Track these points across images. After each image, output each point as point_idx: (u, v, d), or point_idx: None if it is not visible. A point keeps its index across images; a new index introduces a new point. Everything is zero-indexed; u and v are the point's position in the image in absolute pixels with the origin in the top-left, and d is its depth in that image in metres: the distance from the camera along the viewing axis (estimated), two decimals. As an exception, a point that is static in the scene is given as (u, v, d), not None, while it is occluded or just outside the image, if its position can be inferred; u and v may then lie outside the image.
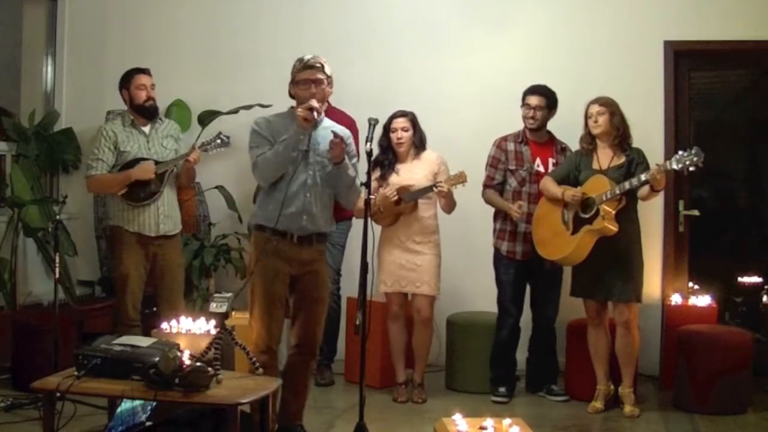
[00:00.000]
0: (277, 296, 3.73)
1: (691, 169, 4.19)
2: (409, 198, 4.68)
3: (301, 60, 3.74)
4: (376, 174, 4.78)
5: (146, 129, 4.65)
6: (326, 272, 3.93)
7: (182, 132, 5.27)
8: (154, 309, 4.81)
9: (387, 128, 4.80)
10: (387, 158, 4.81)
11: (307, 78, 3.69)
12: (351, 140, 3.91)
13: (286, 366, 3.92)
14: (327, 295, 3.92)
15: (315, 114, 3.60)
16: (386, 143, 4.82)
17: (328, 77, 3.75)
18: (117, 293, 4.64)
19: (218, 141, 4.49)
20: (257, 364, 3.52)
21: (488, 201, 4.92)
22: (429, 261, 4.75)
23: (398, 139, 4.76)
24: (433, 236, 4.79)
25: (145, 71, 4.66)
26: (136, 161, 4.54)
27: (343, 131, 3.86)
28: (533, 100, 4.82)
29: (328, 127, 3.82)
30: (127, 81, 4.64)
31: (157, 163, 4.56)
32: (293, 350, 3.87)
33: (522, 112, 4.87)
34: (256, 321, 3.73)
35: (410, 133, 4.77)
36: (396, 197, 4.68)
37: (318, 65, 3.71)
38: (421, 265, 4.73)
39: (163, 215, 4.59)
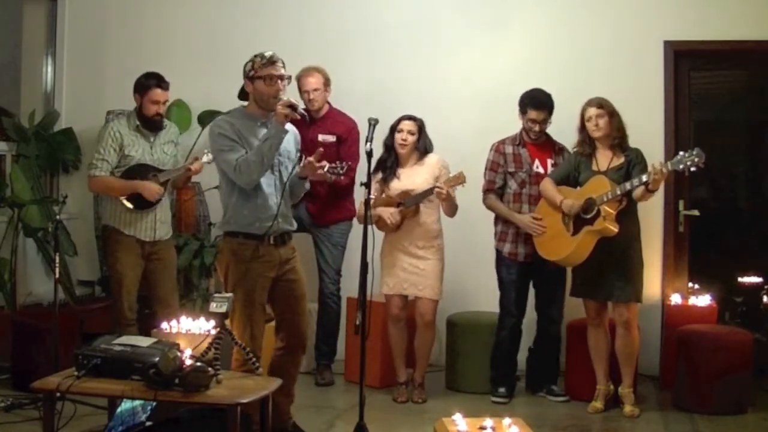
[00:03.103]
0: (259, 301, 3.72)
1: (692, 169, 4.19)
2: (409, 203, 4.67)
3: (262, 57, 3.69)
4: (378, 176, 4.78)
5: (151, 136, 4.67)
6: (301, 268, 3.91)
7: (182, 131, 5.29)
8: (153, 309, 4.81)
9: (393, 128, 4.79)
10: (390, 159, 4.81)
11: (271, 74, 3.65)
12: (299, 138, 3.94)
13: (272, 367, 3.85)
14: (305, 289, 3.90)
15: (291, 110, 3.59)
16: (390, 141, 4.81)
17: (289, 76, 3.75)
18: (113, 293, 4.67)
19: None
20: (257, 364, 3.52)
21: (491, 207, 4.89)
22: (432, 265, 4.74)
23: (402, 140, 4.74)
24: (436, 241, 4.78)
25: (163, 85, 4.61)
26: (139, 167, 4.57)
27: (293, 129, 3.84)
28: (537, 115, 4.74)
29: (290, 128, 3.81)
30: (143, 88, 4.59)
31: (160, 171, 4.58)
32: (281, 351, 3.85)
33: (523, 122, 4.84)
34: (237, 328, 3.65)
35: (415, 137, 4.75)
36: (396, 220, 4.67)
37: (281, 61, 3.69)
38: (425, 269, 4.73)
39: (160, 221, 4.65)
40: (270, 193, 3.70)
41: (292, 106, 3.61)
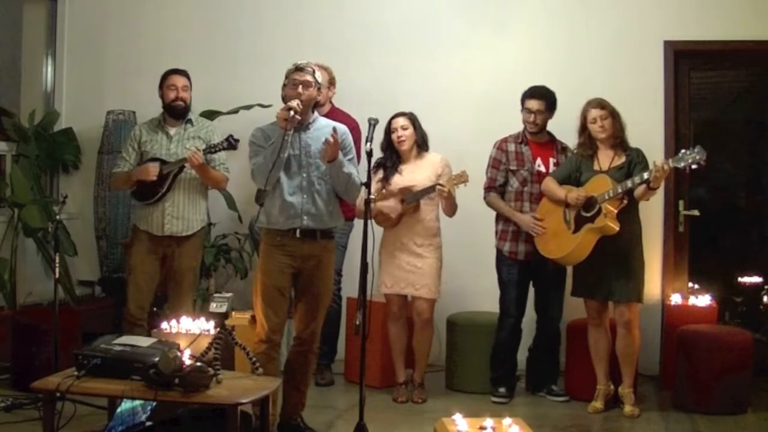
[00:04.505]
0: (277, 287, 3.81)
1: (693, 167, 4.20)
2: (411, 199, 4.67)
3: (294, 64, 3.86)
4: (379, 175, 4.78)
5: (172, 131, 4.68)
6: (330, 269, 3.96)
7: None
8: (155, 309, 4.81)
9: (387, 130, 4.80)
10: (389, 159, 4.81)
11: (295, 78, 3.80)
12: (347, 135, 3.96)
13: (287, 359, 4.01)
14: (328, 291, 3.97)
15: (292, 113, 3.67)
16: (386, 144, 4.82)
17: (318, 83, 3.85)
18: (125, 291, 4.67)
19: (225, 144, 4.50)
20: (257, 364, 3.52)
21: (491, 206, 4.88)
22: (430, 264, 4.74)
23: (399, 137, 4.75)
24: (435, 239, 4.78)
25: (179, 72, 4.72)
26: (152, 161, 4.58)
27: (339, 126, 3.92)
28: (533, 104, 4.79)
29: (322, 127, 3.88)
30: (161, 80, 4.72)
31: (165, 163, 4.58)
32: (294, 342, 3.98)
33: (522, 116, 4.85)
34: (257, 311, 3.86)
35: (410, 131, 4.76)
36: (397, 213, 4.67)
37: (309, 69, 3.83)
38: (422, 268, 4.72)
39: (170, 216, 4.59)
40: (293, 194, 3.79)
41: (289, 109, 3.68)
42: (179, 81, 4.68)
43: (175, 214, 4.61)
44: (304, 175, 3.81)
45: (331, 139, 3.68)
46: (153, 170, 4.52)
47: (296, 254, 3.81)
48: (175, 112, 4.68)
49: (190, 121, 4.74)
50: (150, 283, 4.62)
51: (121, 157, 4.72)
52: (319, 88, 3.89)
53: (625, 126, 4.58)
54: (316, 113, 3.98)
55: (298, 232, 3.79)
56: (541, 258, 4.72)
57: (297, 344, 3.95)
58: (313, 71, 3.83)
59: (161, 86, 4.71)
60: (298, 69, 3.81)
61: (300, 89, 3.77)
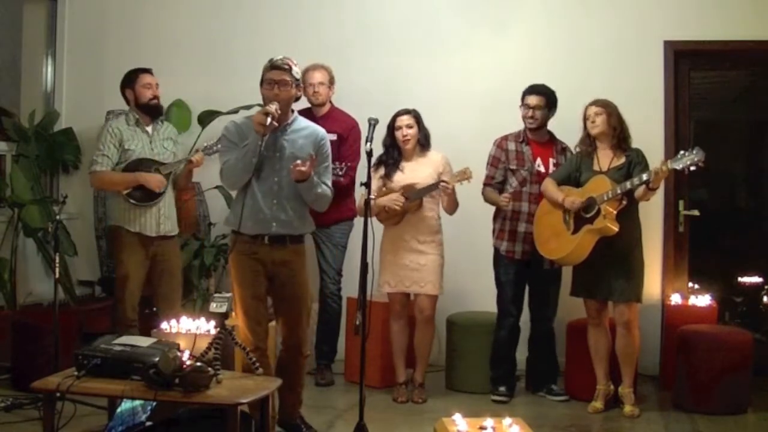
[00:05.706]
0: (255, 296, 3.75)
1: (692, 168, 4.20)
2: (414, 196, 4.68)
3: (269, 60, 3.71)
4: (381, 172, 4.79)
5: (149, 129, 4.67)
6: (304, 271, 3.87)
7: (182, 132, 5.31)
8: (154, 309, 4.81)
9: (391, 127, 4.80)
10: (391, 157, 4.81)
11: (271, 78, 3.65)
12: (326, 142, 3.85)
13: (277, 363, 3.95)
14: (306, 294, 3.88)
15: (269, 119, 3.54)
16: (390, 141, 4.82)
17: (296, 80, 3.71)
18: (116, 293, 4.66)
19: (220, 146, 4.50)
20: (257, 364, 3.52)
21: (487, 200, 4.92)
22: (433, 261, 4.75)
23: (404, 136, 4.75)
24: (437, 236, 4.80)
25: (148, 71, 4.70)
26: (140, 161, 4.56)
27: (317, 132, 3.82)
28: (532, 99, 4.81)
29: (301, 129, 3.79)
30: (131, 80, 4.66)
31: (161, 164, 4.58)
32: (281, 348, 3.92)
33: (521, 111, 4.87)
34: (239, 321, 3.78)
35: (415, 129, 4.76)
36: (402, 202, 4.66)
37: (285, 66, 3.66)
38: (426, 265, 4.73)
39: (164, 216, 4.62)
40: (263, 198, 3.69)
41: (267, 114, 3.54)
42: (152, 80, 4.67)
43: (167, 214, 4.65)
44: (276, 179, 3.70)
45: (299, 164, 3.55)
46: (163, 183, 4.54)
47: (266, 260, 3.73)
48: (154, 110, 4.67)
49: (161, 120, 4.76)
50: (141, 285, 4.63)
51: (102, 155, 4.53)
52: (297, 86, 3.74)
53: (627, 128, 4.59)
54: (295, 113, 3.86)
55: (266, 238, 3.71)
56: (537, 257, 4.73)
57: (285, 349, 3.89)
58: (290, 68, 3.67)
59: (131, 86, 4.64)
60: (274, 67, 3.65)
61: (276, 89, 3.63)
